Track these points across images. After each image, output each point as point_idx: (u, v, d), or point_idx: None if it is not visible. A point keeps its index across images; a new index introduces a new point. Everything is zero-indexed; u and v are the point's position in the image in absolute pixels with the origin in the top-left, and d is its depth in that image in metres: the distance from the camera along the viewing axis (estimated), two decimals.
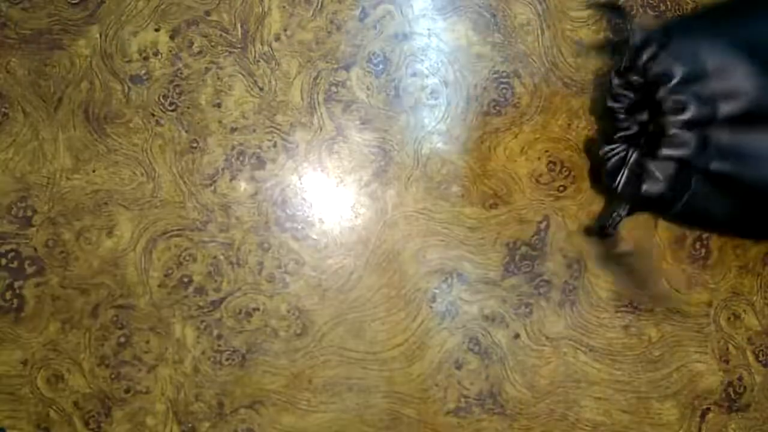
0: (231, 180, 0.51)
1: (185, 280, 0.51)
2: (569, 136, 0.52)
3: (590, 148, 0.50)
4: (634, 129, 0.44)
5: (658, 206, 0.44)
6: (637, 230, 0.51)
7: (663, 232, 0.52)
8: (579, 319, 0.52)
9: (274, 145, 0.51)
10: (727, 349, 0.53)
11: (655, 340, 0.52)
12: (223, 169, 0.51)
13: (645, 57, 0.42)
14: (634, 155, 0.43)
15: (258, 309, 0.51)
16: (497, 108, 0.52)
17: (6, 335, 0.50)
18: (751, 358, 0.53)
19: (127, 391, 0.50)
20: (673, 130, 0.40)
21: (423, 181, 0.52)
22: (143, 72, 0.50)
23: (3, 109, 0.50)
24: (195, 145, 0.51)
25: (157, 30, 0.51)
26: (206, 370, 0.51)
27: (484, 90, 0.52)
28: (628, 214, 0.45)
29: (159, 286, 0.50)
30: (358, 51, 0.51)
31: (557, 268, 0.52)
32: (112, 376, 0.50)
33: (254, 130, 0.51)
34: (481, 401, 0.52)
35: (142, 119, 0.50)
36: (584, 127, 0.52)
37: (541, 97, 0.52)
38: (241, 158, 0.51)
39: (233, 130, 0.51)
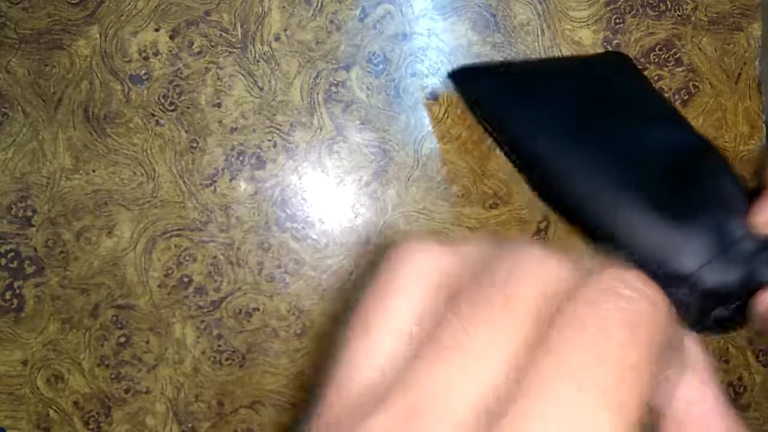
0: (231, 180, 0.51)
1: (185, 280, 0.51)
2: None
3: None
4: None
5: None
6: None
7: None
8: None
9: (274, 145, 0.51)
10: (727, 349, 0.53)
11: None
12: (223, 169, 0.51)
13: None
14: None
15: (258, 309, 0.51)
16: None
17: (6, 335, 0.50)
18: (751, 358, 0.53)
19: (127, 391, 0.50)
20: None
21: (423, 181, 0.52)
22: (143, 72, 0.50)
23: (3, 109, 0.50)
24: (195, 145, 0.51)
25: (157, 30, 0.51)
26: (206, 370, 0.51)
27: None
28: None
29: (159, 286, 0.50)
30: (358, 51, 0.51)
31: None
32: (112, 376, 0.50)
33: (254, 130, 0.51)
34: None
35: (142, 119, 0.50)
36: None
37: None
38: (241, 158, 0.51)
39: (233, 130, 0.51)
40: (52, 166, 0.50)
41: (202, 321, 0.51)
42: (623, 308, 0.17)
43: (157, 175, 0.50)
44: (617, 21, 0.52)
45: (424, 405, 0.16)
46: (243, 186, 0.51)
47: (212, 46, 0.51)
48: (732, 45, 0.53)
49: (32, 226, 0.50)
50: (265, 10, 0.51)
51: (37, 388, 0.50)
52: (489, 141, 0.52)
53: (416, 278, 0.19)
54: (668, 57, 0.52)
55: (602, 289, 0.17)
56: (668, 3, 0.52)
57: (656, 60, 0.52)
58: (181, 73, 0.51)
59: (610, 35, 0.52)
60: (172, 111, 0.51)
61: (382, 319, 0.18)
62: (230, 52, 0.51)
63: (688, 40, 0.52)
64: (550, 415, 0.15)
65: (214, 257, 0.51)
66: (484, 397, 0.16)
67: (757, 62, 0.53)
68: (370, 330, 0.18)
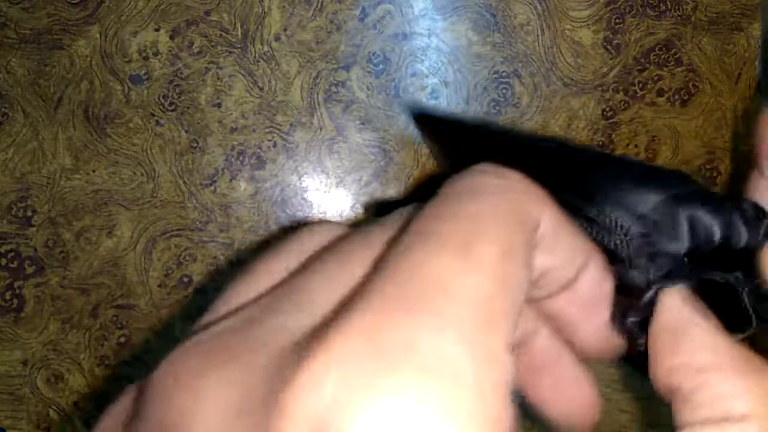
0: (231, 180, 0.51)
1: (185, 280, 0.51)
2: (569, 136, 0.52)
3: None
4: None
5: None
6: None
7: None
8: None
9: (274, 145, 0.51)
10: None
11: None
12: (223, 169, 0.51)
13: None
14: None
15: None
16: (497, 108, 0.52)
17: (6, 335, 0.50)
18: None
19: None
20: None
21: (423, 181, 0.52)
22: (143, 72, 0.50)
23: (3, 109, 0.50)
24: (195, 145, 0.51)
25: (157, 30, 0.51)
26: None
27: (484, 90, 0.52)
28: None
29: (159, 286, 0.50)
30: (358, 51, 0.51)
31: None
32: (112, 376, 0.50)
33: (254, 130, 0.51)
34: None
35: (142, 119, 0.50)
36: (584, 127, 0.52)
37: (541, 97, 0.52)
38: (241, 158, 0.51)
39: (233, 130, 0.51)
40: (52, 166, 0.50)
41: None
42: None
43: (157, 175, 0.50)
44: (617, 21, 0.52)
45: None
46: (243, 186, 0.51)
47: (212, 46, 0.51)
48: (732, 45, 0.53)
49: (32, 226, 0.50)
50: (265, 10, 0.51)
51: (37, 388, 0.50)
52: None
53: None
54: (668, 57, 0.52)
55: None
56: (668, 3, 0.52)
57: (656, 60, 0.52)
58: (181, 73, 0.51)
59: (610, 35, 0.52)
60: (172, 111, 0.51)
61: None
62: (230, 52, 0.51)
63: (688, 40, 0.52)
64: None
65: (214, 257, 0.51)
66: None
67: (757, 62, 0.53)
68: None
